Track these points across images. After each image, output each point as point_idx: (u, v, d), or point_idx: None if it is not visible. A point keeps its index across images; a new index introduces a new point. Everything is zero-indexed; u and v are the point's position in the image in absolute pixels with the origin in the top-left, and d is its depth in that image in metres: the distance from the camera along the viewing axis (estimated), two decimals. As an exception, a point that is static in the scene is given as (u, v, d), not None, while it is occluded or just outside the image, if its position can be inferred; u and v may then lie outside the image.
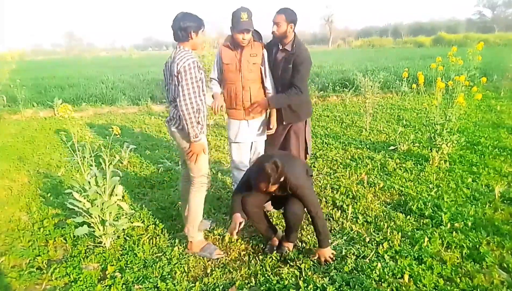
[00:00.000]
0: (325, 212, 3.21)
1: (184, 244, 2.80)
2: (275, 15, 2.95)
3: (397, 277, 2.31)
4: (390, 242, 2.69)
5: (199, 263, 2.58)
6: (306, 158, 3.29)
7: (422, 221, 2.98)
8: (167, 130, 6.18)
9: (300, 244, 2.77)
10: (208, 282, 2.35)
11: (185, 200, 2.82)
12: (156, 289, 2.31)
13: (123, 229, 2.92)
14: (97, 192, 2.64)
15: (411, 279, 2.28)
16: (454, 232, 2.77)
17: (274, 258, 2.57)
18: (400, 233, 2.79)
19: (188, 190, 2.70)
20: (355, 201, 3.39)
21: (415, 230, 2.85)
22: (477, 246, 2.60)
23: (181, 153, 2.77)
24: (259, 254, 2.66)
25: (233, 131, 3.08)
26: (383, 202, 3.38)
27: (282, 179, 2.33)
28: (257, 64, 2.94)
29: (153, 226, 3.09)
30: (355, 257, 2.55)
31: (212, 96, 3.06)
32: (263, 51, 2.98)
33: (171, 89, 2.53)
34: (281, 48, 2.99)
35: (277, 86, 3.03)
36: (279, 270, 2.44)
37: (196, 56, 2.48)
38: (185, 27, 2.40)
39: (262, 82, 3.01)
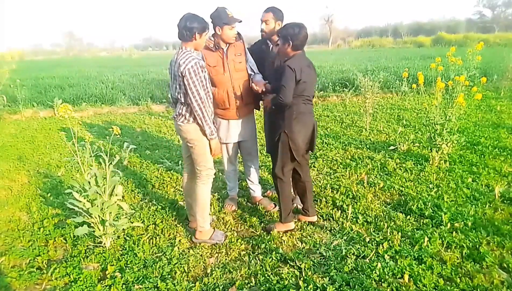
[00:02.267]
0: (325, 212, 3.21)
1: (184, 243, 2.82)
2: (263, 14, 3.07)
3: (397, 277, 2.31)
4: (390, 242, 2.69)
5: (199, 263, 2.58)
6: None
7: (422, 221, 2.98)
8: (165, 128, 6.22)
9: (300, 244, 2.78)
10: (208, 282, 2.35)
11: (189, 196, 2.93)
12: (156, 289, 2.31)
13: (123, 229, 2.93)
14: (97, 192, 2.64)
15: (411, 279, 2.28)
16: (454, 232, 2.77)
17: (274, 258, 2.57)
18: (400, 233, 2.79)
19: (192, 186, 2.81)
20: (355, 201, 3.39)
21: (415, 230, 2.86)
22: (477, 246, 2.61)
23: (185, 148, 2.83)
24: (259, 254, 2.66)
25: (223, 132, 3.11)
26: (383, 202, 3.38)
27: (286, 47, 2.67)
28: (242, 62, 3.01)
29: (153, 226, 3.09)
30: (355, 257, 2.55)
31: None
32: (245, 48, 3.07)
33: (174, 88, 2.62)
34: (273, 45, 3.09)
35: (271, 81, 3.06)
36: (279, 270, 2.45)
37: (199, 56, 2.57)
38: (190, 27, 2.50)
39: (248, 77, 3.07)
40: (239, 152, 3.38)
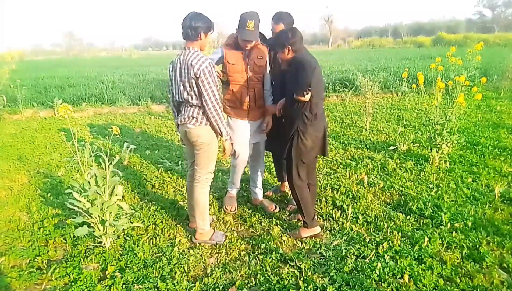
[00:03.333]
0: (325, 212, 3.21)
1: (184, 243, 2.82)
2: (273, 25, 2.97)
3: (397, 277, 2.31)
4: (390, 242, 2.69)
5: (199, 263, 2.58)
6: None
7: (422, 221, 2.98)
8: (162, 131, 6.22)
9: (300, 244, 2.78)
10: (208, 282, 2.35)
11: (190, 197, 2.91)
12: (156, 289, 2.31)
13: (123, 229, 2.92)
14: (97, 192, 2.63)
15: (411, 279, 2.28)
16: (454, 232, 2.77)
17: (274, 258, 2.57)
18: (400, 233, 2.79)
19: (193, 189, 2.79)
20: (355, 201, 3.39)
21: (415, 230, 2.86)
22: (477, 246, 2.61)
23: (189, 152, 2.81)
24: (259, 254, 2.66)
25: (236, 132, 3.05)
26: (383, 202, 3.38)
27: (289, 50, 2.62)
28: (262, 66, 2.96)
29: (153, 226, 3.09)
30: (355, 257, 2.55)
31: None
32: (268, 53, 3.00)
33: (181, 89, 2.55)
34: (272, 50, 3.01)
35: (276, 84, 3.04)
36: (279, 270, 2.45)
37: (215, 54, 2.57)
38: (196, 27, 2.46)
39: (263, 83, 3.03)
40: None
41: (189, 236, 2.93)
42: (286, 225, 3.06)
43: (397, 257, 2.51)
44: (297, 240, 2.82)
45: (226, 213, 3.29)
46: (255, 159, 3.29)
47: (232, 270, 2.48)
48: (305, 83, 2.52)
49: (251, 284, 2.33)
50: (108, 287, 2.34)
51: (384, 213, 3.15)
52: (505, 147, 4.66)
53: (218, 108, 2.50)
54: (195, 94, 2.50)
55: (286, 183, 3.60)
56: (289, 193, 3.52)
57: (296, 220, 3.10)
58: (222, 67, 3.01)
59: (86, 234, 2.73)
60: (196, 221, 2.83)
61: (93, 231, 2.71)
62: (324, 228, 2.98)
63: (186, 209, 3.34)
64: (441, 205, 3.18)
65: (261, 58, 2.94)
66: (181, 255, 2.67)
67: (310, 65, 2.57)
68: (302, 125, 2.66)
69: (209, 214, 3.22)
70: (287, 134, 2.75)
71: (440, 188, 3.57)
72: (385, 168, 4.16)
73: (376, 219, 3.06)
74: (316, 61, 2.73)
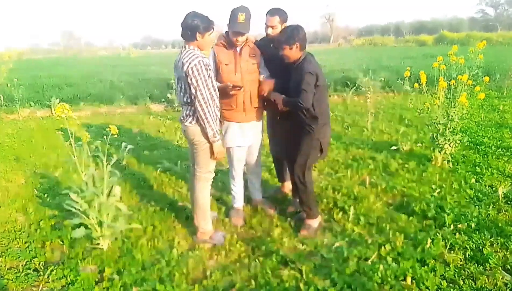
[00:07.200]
0: (326, 213, 3.18)
1: (183, 245, 2.79)
2: (267, 18, 2.94)
3: (400, 279, 2.28)
4: (392, 243, 2.65)
5: (199, 265, 2.55)
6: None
7: (425, 222, 2.95)
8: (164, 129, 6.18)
9: (300, 246, 2.74)
10: (208, 285, 2.32)
11: (193, 195, 2.89)
12: (154, 292, 2.27)
13: (121, 231, 2.88)
14: (95, 193, 2.60)
15: (414, 281, 2.25)
16: (457, 233, 2.73)
17: (274, 260, 2.54)
18: (402, 235, 2.75)
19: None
20: (357, 202, 3.35)
21: (417, 231, 2.82)
22: (481, 247, 2.57)
23: (191, 148, 2.79)
24: (259, 256, 2.63)
25: (231, 135, 2.99)
26: (385, 203, 3.34)
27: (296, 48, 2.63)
28: (256, 64, 2.91)
29: (152, 227, 3.05)
30: (357, 259, 2.51)
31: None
32: (260, 54, 2.95)
33: (178, 88, 2.57)
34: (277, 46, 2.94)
35: (279, 80, 2.96)
36: (280, 273, 2.41)
37: (202, 54, 2.53)
38: (192, 27, 2.43)
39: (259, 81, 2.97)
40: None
41: (188, 238, 2.89)
42: (286, 226, 3.02)
43: (400, 259, 2.48)
44: (297, 241, 2.79)
45: (227, 215, 3.25)
46: (252, 160, 3.23)
47: (232, 272, 2.44)
48: (305, 102, 2.61)
49: (251, 286, 2.30)
50: (105, 289, 2.31)
51: (386, 214, 3.11)
52: (508, 146, 4.62)
53: (205, 107, 2.44)
54: (188, 93, 2.48)
55: (287, 184, 3.56)
56: (290, 194, 3.48)
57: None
58: (214, 69, 2.89)
59: (83, 236, 2.70)
60: (197, 219, 2.80)
61: (91, 233, 2.68)
62: (325, 229, 2.94)
63: (186, 210, 3.31)
64: (444, 206, 3.14)
65: (254, 56, 2.89)
66: (180, 257, 2.64)
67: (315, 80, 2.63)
68: (321, 131, 2.75)
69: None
70: (301, 139, 2.79)
71: (443, 189, 3.53)
72: (387, 168, 4.12)
73: (378, 220, 3.02)
74: (319, 67, 2.80)
